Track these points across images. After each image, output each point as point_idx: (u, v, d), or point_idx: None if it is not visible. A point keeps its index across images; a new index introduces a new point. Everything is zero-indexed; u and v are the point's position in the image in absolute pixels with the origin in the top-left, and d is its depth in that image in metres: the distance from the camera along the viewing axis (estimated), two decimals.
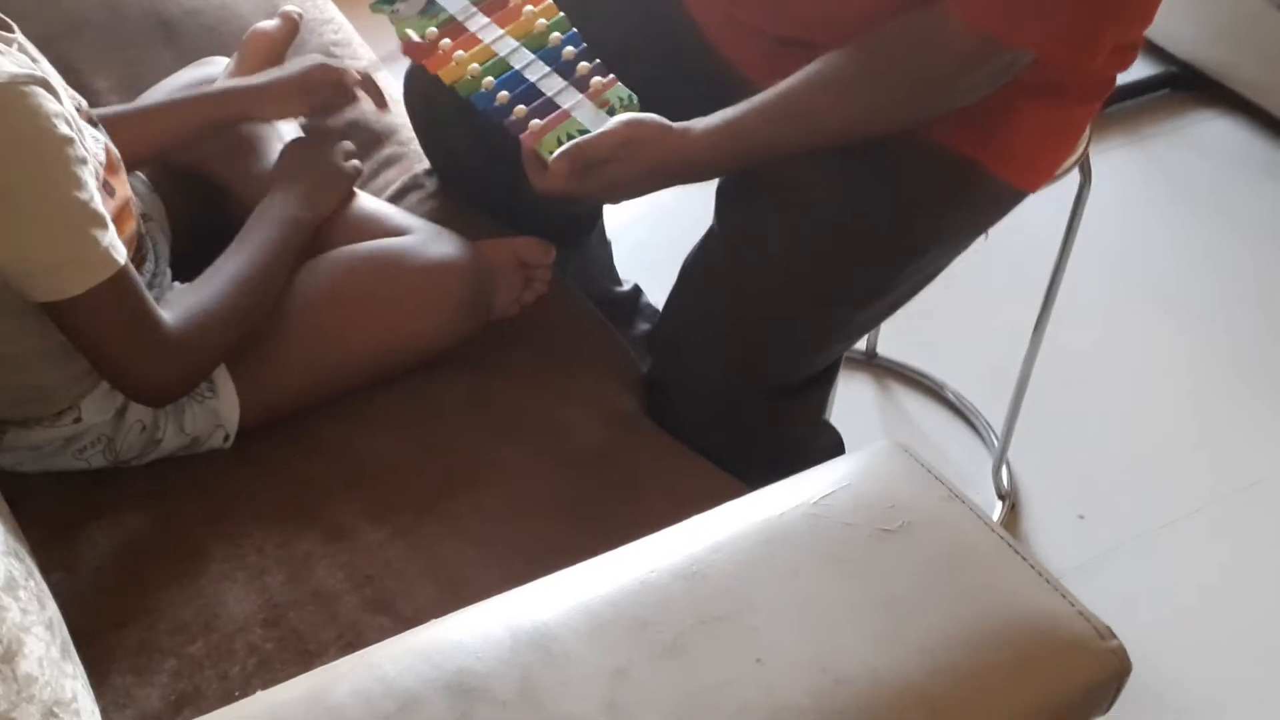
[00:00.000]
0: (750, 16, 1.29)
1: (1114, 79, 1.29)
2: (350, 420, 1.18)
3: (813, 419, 1.34)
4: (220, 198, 1.36)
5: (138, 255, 1.16)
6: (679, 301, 1.26)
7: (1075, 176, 1.50)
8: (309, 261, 1.21)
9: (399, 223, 1.26)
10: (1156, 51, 2.63)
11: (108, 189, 1.12)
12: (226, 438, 1.18)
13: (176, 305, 1.11)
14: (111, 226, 1.02)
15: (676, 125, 1.17)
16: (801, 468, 1.19)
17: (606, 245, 1.67)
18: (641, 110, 1.22)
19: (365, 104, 1.39)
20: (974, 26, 1.08)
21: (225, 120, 1.30)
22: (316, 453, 1.16)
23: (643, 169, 1.16)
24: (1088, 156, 1.47)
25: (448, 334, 1.21)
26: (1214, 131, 2.55)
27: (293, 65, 1.31)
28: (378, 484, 1.13)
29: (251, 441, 1.18)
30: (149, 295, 1.07)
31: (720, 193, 1.26)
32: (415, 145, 1.49)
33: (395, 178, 1.48)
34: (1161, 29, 2.62)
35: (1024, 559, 0.81)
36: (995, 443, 1.83)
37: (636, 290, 1.71)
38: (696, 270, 1.24)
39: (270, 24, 1.44)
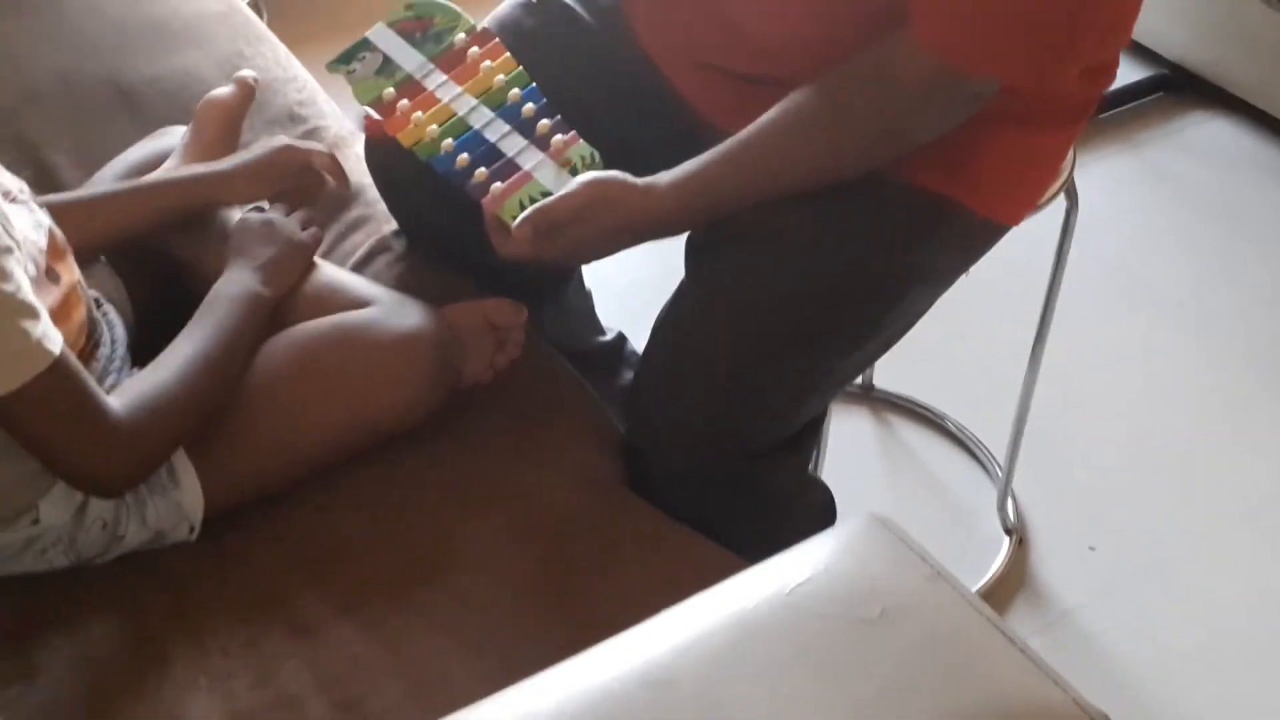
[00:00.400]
0: (714, 57, 1.25)
1: (1094, 100, 1.24)
2: (317, 504, 1.14)
3: (799, 476, 1.30)
4: (180, 274, 1.32)
5: (89, 342, 1.12)
6: (651, 361, 1.22)
7: (1062, 200, 1.45)
8: (268, 340, 1.17)
9: (361, 293, 1.22)
10: (1147, 54, 2.58)
11: (51, 275, 1.08)
12: (191, 529, 1.13)
13: (128, 391, 1.07)
14: (44, 316, 0.98)
15: (640, 182, 1.13)
16: (789, 529, 1.16)
17: (586, 295, 1.62)
18: (606, 164, 1.19)
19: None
20: (932, 55, 1.04)
21: (188, 208, 1.27)
22: (283, 540, 1.12)
23: (608, 229, 1.13)
24: (1073, 181, 1.42)
25: (415, 409, 1.17)
26: (1209, 133, 2.50)
27: (257, 148, 1.28)
28: (345, 572, 1.09)
29: (216, 531, 1.13)
30: (92, 384, 1.03)
31: (689, 244, 1.22)
32: (383, 206, 1.45)
33: (362, 241, 1.44)
34: (1151, 31, 2.57)
35: (1013, 643, 0.76)
36: (999, 474, 1.78)
37: (620, 339, 1.67)
38: (668, 326, 1.20)
39: (225, 91, 1.40)
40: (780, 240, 1.14)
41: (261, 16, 2.59)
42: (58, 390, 0.98)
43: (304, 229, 1.27)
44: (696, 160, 1.14)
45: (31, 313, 0.97)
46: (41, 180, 1.51)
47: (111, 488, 1.06)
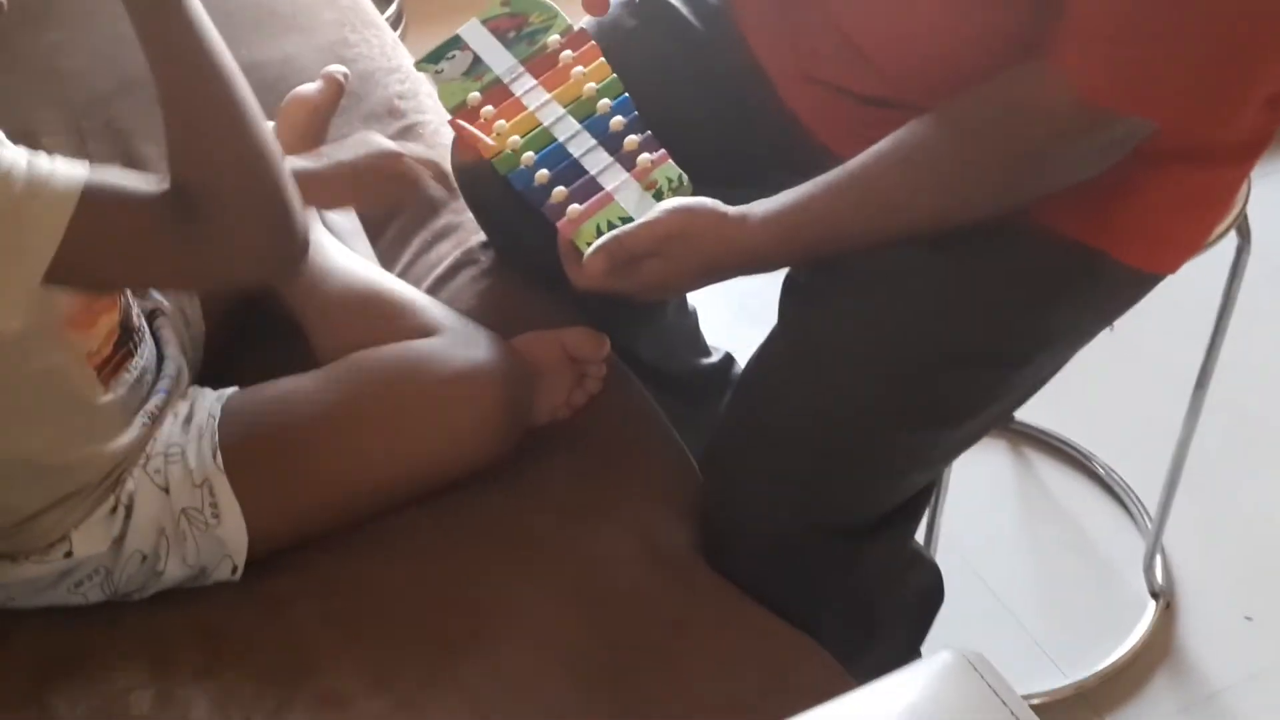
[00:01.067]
0: (827, 73, 1.11)
1: (1272, 134, 1.06)
2: (363, 552, 1.05)
3: (898, 556, 1.15)
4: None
5: (118, 351, 1.04)
6: (733, 419, 1.09)
7: (1232, 238, 1.27)
8: (322, 370, 1.08)
9: (428, 319, 1.12)
10: None
11: None
12: (234, 569, 1.06)
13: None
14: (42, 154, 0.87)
15: (732, 211, 1.00)
16: (884, 616, 1.02)
17: (689, 314, 1.50)
18: (704, 182, 1.07)
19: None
20: (1077, 90, 0.88)
21: None
22: (324, 591, 1.03)
23: (693, 264, 1.00)
24: (1245, 216, 1.24)
25: (481, 453, 1.07)
26: None
27: (357, 147, 1.15)
28: (385, 633, 0.99)
29: (259, 572, 1.05)
30: (130, 187, 0.91)
31: (787, 283, 1.08)
32: (471, 215, 1.35)
33: (448, 252, 1.34)
34: None
35: None
36: (1149, 526, 1.60)
37: (728, 360, 1.54)
38: (753, 380, 1.07)
39: (311, 88, 1.31)
40: (890, 288, 1.00)
41: None
42: (99, 221, 0.86)
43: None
44: (798, 190, 1.00)
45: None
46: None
47: (263, 258, 0.91)
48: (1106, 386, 1.74)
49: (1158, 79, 0.87)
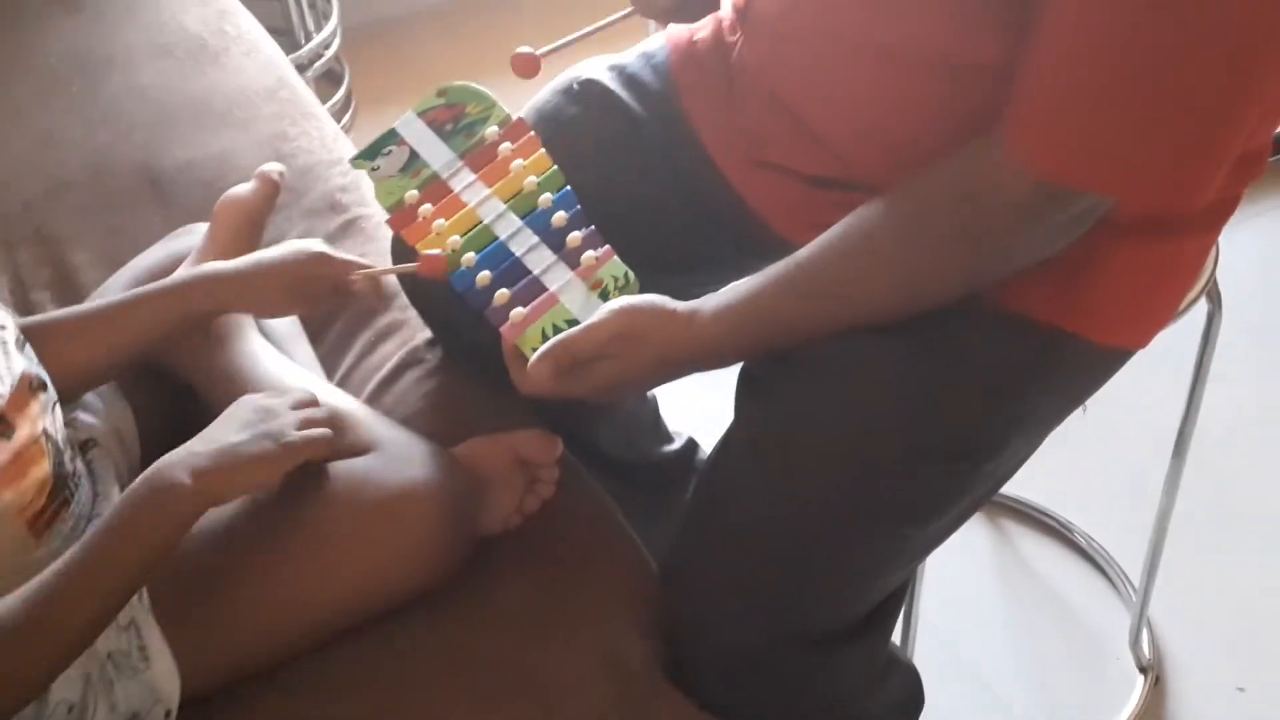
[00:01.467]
0: (777, 155, 1.07)
1: (1239, 196, 1.02)
2: (307, 687, 0.98)
3: (873, 663, 1.09)
4: (194, 400, 1.19)
5: (53, 500, 0.98)
6: (691, 527, 1.03)
7: (1203, 304, 1.23)
8: (252, 495, 1.02)
9: (363, 435, 1.06)
10: None
11: (3, 428, 0.95)
12: (167, 713, 0.99)
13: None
14: None
15: (681, 308, 0.96)
16: None
17: (649, 401, 1.45)
18: (654, 274, 1.03)
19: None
20: (1030, 168, 0.84)
21: (199, 316, 1.09)
22: None
23: (643, 364, 0.96)
24: (1215, 282, 1.20)
25: (423, 575, 1.00)
26: None
27: (286, 250, 1.08)
28: None
29: (196, 714, 0.98)
30: None
31: (743, 376, 1.03)
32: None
33: (393, 352, 1.29)
34: None
35: None
36: (1134, 598, 1.55)
37: (691, 446, 1.49)
38: (711, 485, 1.02)
39: (244, 189, 1.26)
40: (850, 379, 0.95)
41: (343, 73, 2.51)
42: None
43: (316, 423, 0.98)
44: (749, 282, 0.96)
45: None
46: (60, 283, 1.41)
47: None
48: (1084, 455, 1.70)
49: (1115, 152, 0.83)
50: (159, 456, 1.14)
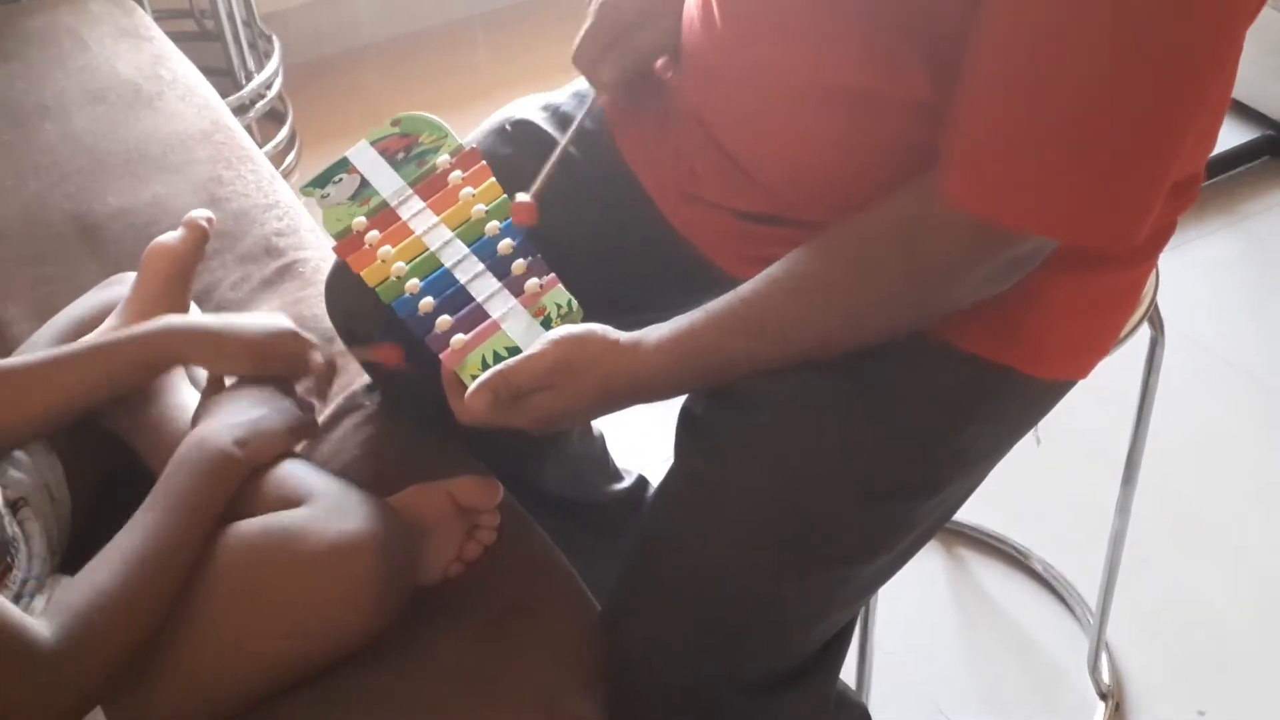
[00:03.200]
0: (707, 191, 1.05)
1: (1174, 223, 1.02)
2: None
3: (822, 706, 1.07)
4: (122, 452, 1.16)
5: None
6: (631, 573, 1.01)
7: (1145, 330, 1.22)
8: None
9: (295, 486, 1.03)
10: (1248, 113, 2.32)
11: None
12: None
13: (60, 608, 0.90)
14: None
15: (624, 338, 0.94)
16: None
17: (595, 440, 1.43)
18: (599, 306, 1.02)
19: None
20: (970, 212, 0.83)
21: (161, 368, 1.11)
22: None
23: (583, 395, 0.94)
24: (1156, 307, 1.19)
25: (359, 629, 0.97)
26: None
27: (259, 319, 1.12)
28: None
29: None
30: (10, 612, 0.87)
31: (683, 413, 1.02)
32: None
33: (331, 397, 1.26)
34: (1253, 87, 2.30)
35: None
36: (1091, 623, 1.54)
37: (641, 483, 1.47)
38: (651, 529, 1.00)
39: (172, 237, 1.23)
40: (790, 420, 0.93)
41: (286, 111, 2.49)
42: None
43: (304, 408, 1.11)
44: (690, 316, 0.95)
45: None
46: None
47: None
48: (1037, 481, 1.69)
49: (1055, 195, 0.81)
50: (88, 508, 1.14)
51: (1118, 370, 1.32)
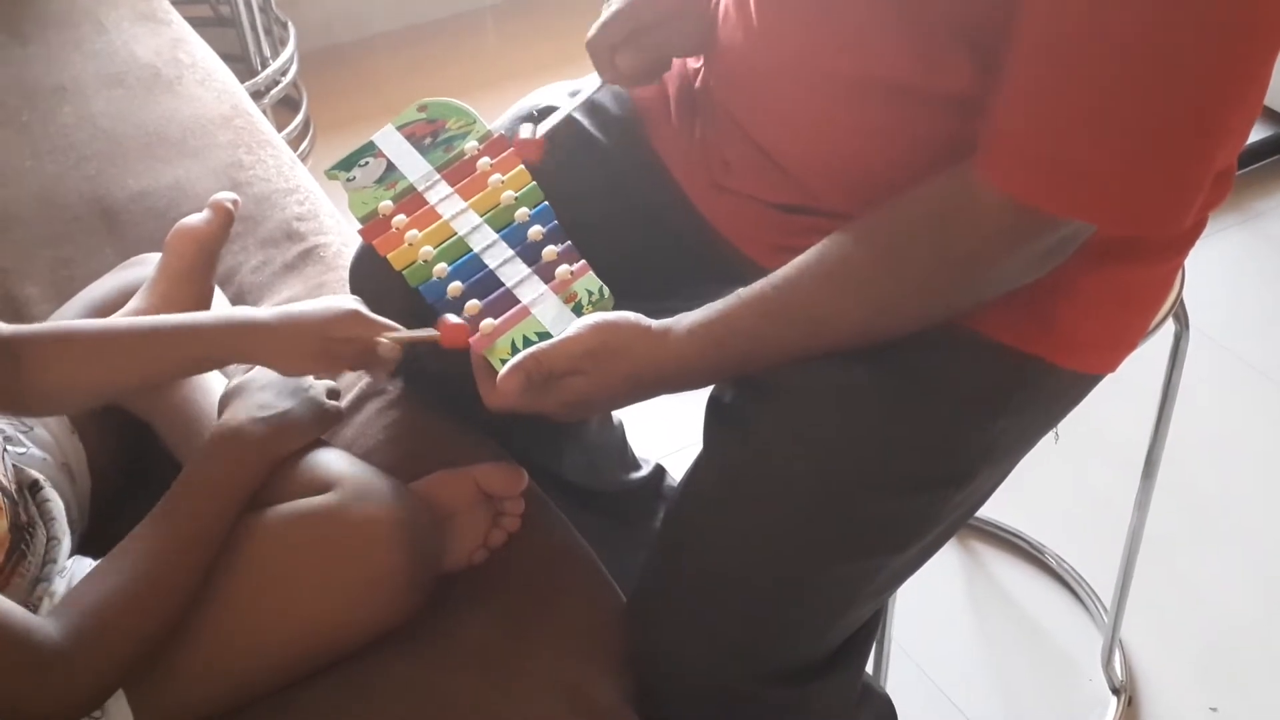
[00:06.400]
0: (738, 182, 1.05)
1: (1206, 219, 1.02)
2: None
3: (846, 696, 1.07)
4: (144, 436, 1.16)
5: (10, 556, 0.95)
6: (658, 562, 1.01)
7: (1170, 325, 1.22)
8: None
9: (321, 471, 1.03)
10: (1263, 111, 2.32)
11: None
12: None
13: (70, 606, 0.90)
14: None
15: (655, 325, 0.94)
16: None
17: (614, 429, 1.43)
18: (627, 295, 1.01)
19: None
20: (1009, 196, 0.83)
21: (216, 362, 1.05)
22: None
23: (615, 381, 0.93)
24: (1181, 302, 1.19)
25: (385, 614, 0.97)
26: None
27: (317, 307, 1.01)
28: None
29: None
30: (13, 611, 0.86)
31: (711, 403, 1.01)
32: None
33: (354, 382, 1.26)
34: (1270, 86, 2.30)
35: None
36: (1105, 619, 1.54)
37: (658, 472, 1.47)
38: (679, 518, 1.00)
39: (199, 218, 1.22)
40: (819, 408, 0.93)
41: (301, 99, 2.48)
42: None
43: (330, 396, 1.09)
44: (722, 303, 0.94)
45: None
46: (9, 317, 1.36)
47: None
48: (1055, 476, 1.69)
49: (1095, 178, 0.81)
50: (110, 491, 1.13)
51: (1139, 366, 1.32)
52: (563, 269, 1.02)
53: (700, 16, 1.08)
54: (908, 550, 0.97)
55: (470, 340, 1.00)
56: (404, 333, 1.01)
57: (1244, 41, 0.78)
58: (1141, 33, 0.77)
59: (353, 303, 1.02)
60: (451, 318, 1.00)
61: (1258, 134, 2.30)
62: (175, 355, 1.01)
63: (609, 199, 1.12)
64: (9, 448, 1.05)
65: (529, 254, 1.05)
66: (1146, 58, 0.78)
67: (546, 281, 1.03)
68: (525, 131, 1.04)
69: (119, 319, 1.12)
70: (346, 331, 0.99)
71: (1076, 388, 1.01)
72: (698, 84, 1.11)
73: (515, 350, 0.97)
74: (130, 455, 1.18)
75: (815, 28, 0.94)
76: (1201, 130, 0.81)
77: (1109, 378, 1.04)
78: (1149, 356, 1.30)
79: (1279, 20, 0.79)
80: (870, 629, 1.04)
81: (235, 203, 1.25)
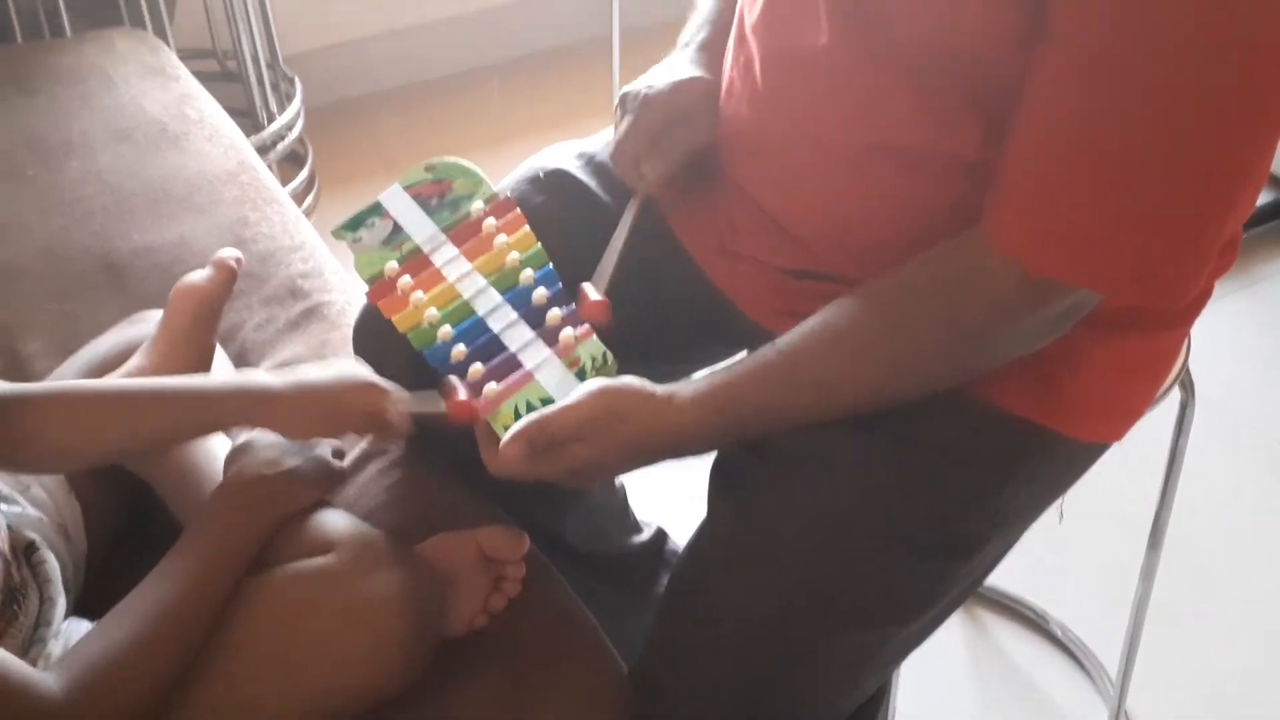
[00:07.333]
0: (745, 246, 1.05)
1: (1212, 287, 1.01)
2: None
3: None
4: (143, 495, 1.15)
5: (2, 615, 0.94)
6: (662, 630, 1.00)
7: (1176, 393, 1.22)
8: None
9: (323, 533, 1.02)
10: (1269, 177, 2.33)
11: None
12: None
13: (71, 662, 0.89)
14: None
15: (660, 390, 0.93)
16: None
17: (616, 491, 1.42)
18: (631, 359, 1.00)
19: None
20: (1017, 263, 0.83)
21: (224, 427, 1.06)
22: None
23: (619, 447, 0.93)
24: (1188, 370, 1.19)
25: (384, 684, 0.96)
26: None
27: (329, 375, 1.00)
28: None
29: None
30: (15, 667, 0.85)
31: (715, 468, 1.01)
32: None
33: (356, 442, 1.25)
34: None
35: None
36: (1111, 691, 1.52)
37: (660, 536, 1.46)
38: (683, 585, 0.99)
39: (200, 275, 1.22)
40: (825, 475, 0.93)
41: (306, 154, 2.49)
42: None
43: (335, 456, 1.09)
44: (727, 367, 0.94)
45: None
46: (12, 373, 1.36)
47: None
48: (1060, 544, 1.67)
49: (1103, 247, 0.81)
50: (106, 552, 1.12)
51: (1145, 434, 1.31)
52: (567, 333, 1.02)
53: (713, 110, 1.08)
54: (915, 621, 0.96)
55: (474, 404, 0.99)
56: (414, 404, 1.00)
57: (1249, 120, 0.78)
58: (1149, 108, 0.77)
59: (365, 372, 1.01)
60: (460, 390, 1.00)
61: (1262, 199, 2.30)
62: (185, 421, 1.00)
63: (616, 256, 1.12)
64: (3, 506, 1.04)
65: (533, 317, 1.04)
66: (1154, 132, 0.78)
67: (550, 345, 1.02)
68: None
69: (127, 380, 1.11)
70: (358, 401, 0.99)
71: (1083, 456, 1.01)
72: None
73: (518, 416, 0.96)
74: (129, 515, 1.17)
75: (823, 96, 0.94)
76: (1208, 202, 0.81)
77: (1118, 444, 1.04)
78: (1154, 424, 1.30)
79: (1277, 98, 0.79)
80: (876, 702, 1.03)
81: (238, 260, 1.25)
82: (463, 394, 1.00)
